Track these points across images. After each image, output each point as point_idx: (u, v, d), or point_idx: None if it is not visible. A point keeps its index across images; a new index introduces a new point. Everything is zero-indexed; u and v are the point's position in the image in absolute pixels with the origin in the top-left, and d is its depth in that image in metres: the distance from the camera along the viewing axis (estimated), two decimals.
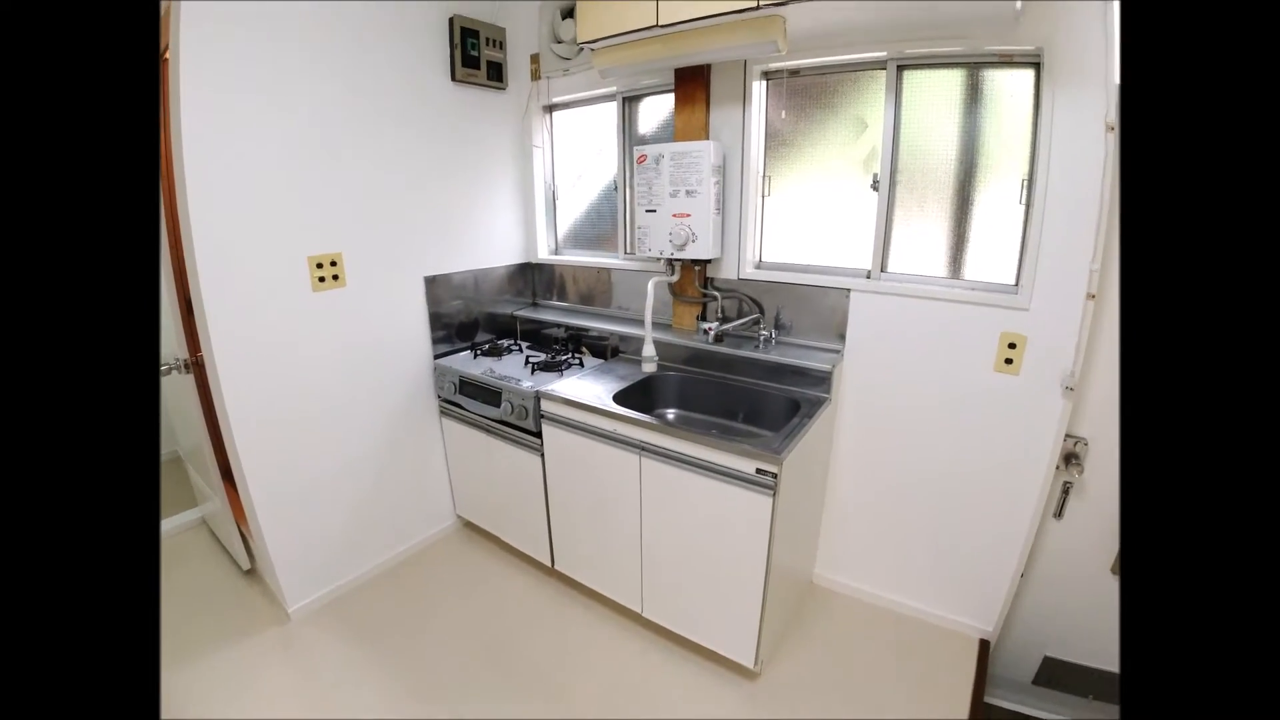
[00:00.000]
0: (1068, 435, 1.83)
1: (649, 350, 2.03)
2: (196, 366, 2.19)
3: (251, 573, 2.54)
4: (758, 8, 1.68)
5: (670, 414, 2.30)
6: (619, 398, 2.06)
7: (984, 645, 2.10)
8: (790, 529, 1.91)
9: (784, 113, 2.16)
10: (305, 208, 2.07)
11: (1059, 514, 1.93)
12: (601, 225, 2.83)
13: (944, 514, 2.09)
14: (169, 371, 2.26)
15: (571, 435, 2.10)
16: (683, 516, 1.89)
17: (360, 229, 2.25)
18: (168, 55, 1.80)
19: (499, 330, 2.91)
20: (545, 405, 2.16)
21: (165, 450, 3.60)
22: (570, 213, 2.95)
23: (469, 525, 2.87)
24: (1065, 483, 1.89)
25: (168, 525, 2.93)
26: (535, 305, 3.04)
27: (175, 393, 2.47)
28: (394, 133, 2.32)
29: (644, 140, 2.57)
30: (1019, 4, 1.47)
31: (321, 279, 2.15)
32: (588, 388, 2.16)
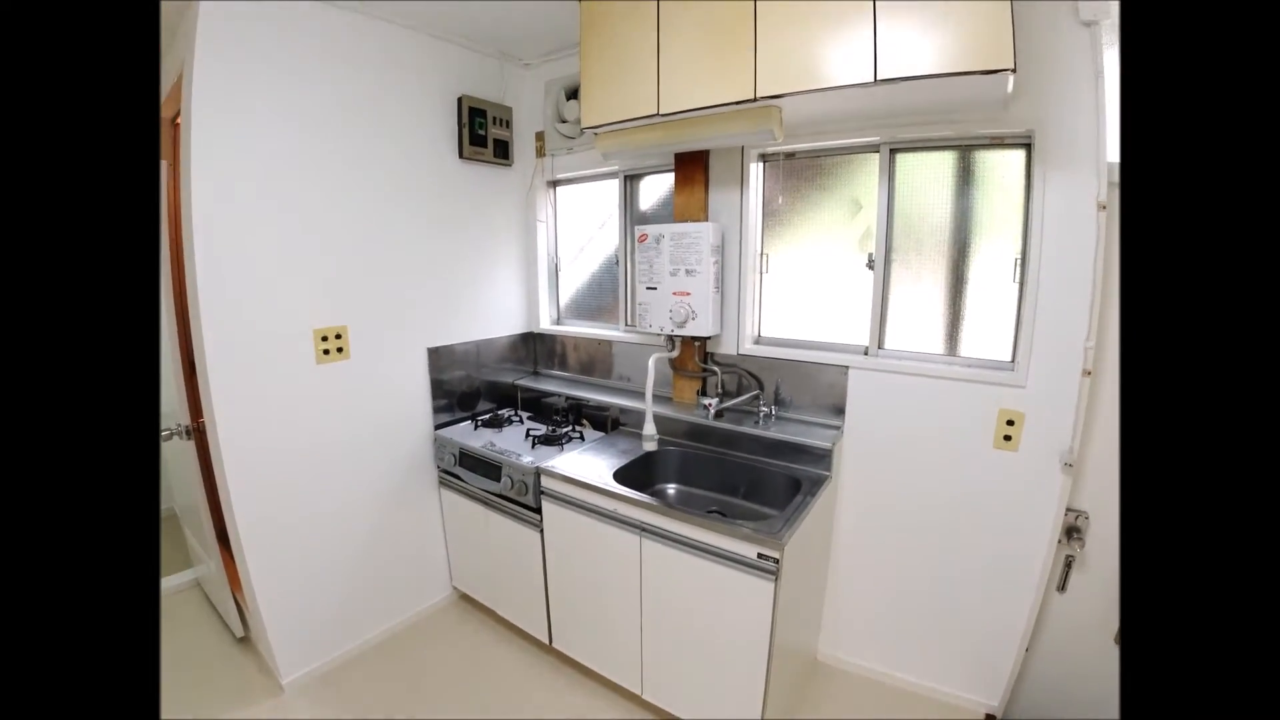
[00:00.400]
0: (1068, 509, 1.83)
1: (649, 429, 2.04)
2: (198, 432, 2.20)
3: (245, 640, 2.48)
4: (755, 100, 1.75)
5: (671, 489, 2.29)
6: (619, 475, 2.05)
7: None
8: (793, 610, 1.88)
9: (780, 198, 2.23)
10: (313, 280, 2.12)
11: (1062, 587, 1.91)
12: (603, 297, 2.87)
13: (947, 589, 2.07)
14: (170, 437, 2.27)
15: (571, 513, 2.09)
16: (684, 598, 1.86)
17: (367, 301, 2.29)
18: (179, 121, 1.86)
19: (500, 399, 2.92)
20: (545, 482, 2.15)
21: (162, 507, 3.56)
22: (572, 283, 3.00)
23: (465, 598, 2.82)
24: (1067, 556, 1.87)
25: (161, 586, 2.89)
26: (536, 374, 3.06)
27: (174, 453, 2.48)
28: (403, 208, 2.39)
29: (645, 216, 2.64)
30: (1009, 88, 1.52)
31: (326, 351, 2.18)
32: (588, 463, 2.15)
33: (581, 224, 2.92)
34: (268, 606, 2.13)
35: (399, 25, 2.29)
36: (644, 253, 2.25)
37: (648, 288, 2.26)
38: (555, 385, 2.85)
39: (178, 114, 1.89)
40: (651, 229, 2.23)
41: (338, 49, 2.11)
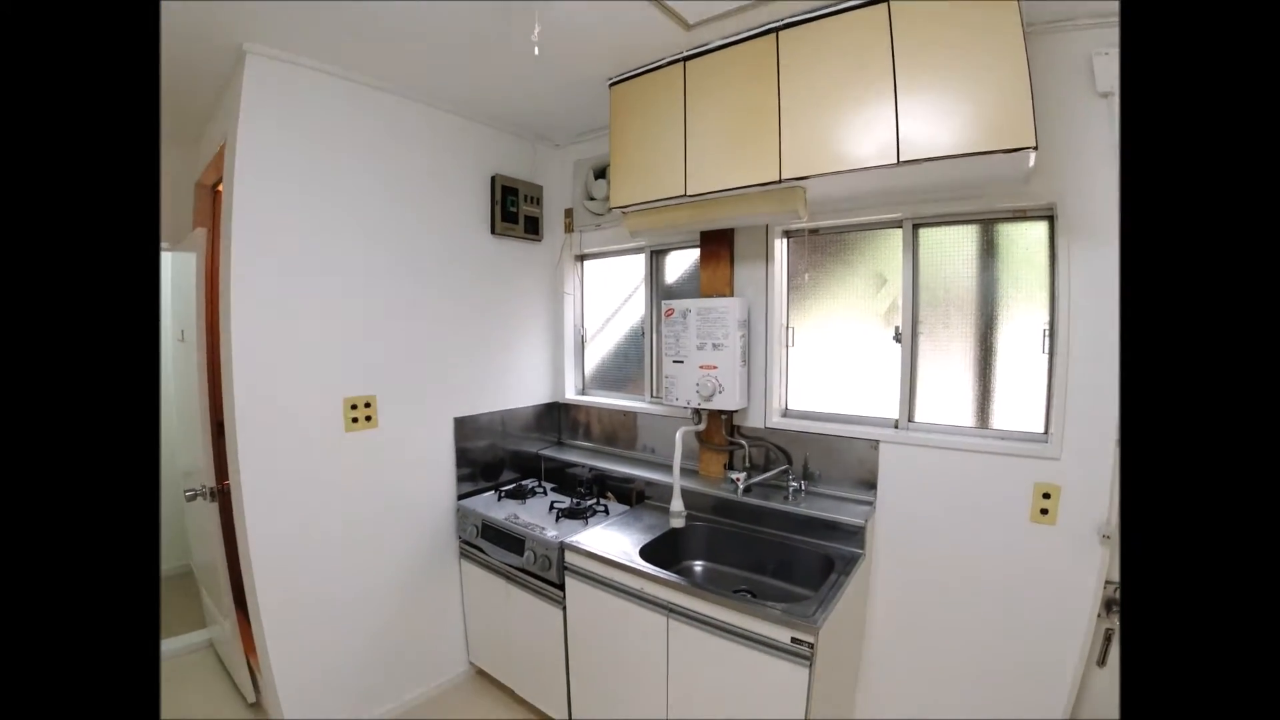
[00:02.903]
0: (1107, 581, 1.76)
1: (677, 505, 2.01)
2: (222, 494, 2.22)
3: (256, 706, 2.41)
4: (780, 182, 1.80)
5: (698, 567, 2.23)
6: (646, 552, 2.01)
7: None
8: (827, 694, 1.79)
9: (807, 275, 2.26)
10: (345, 349, 2.17)
11: (1102, 661, 1.81)
12: (628, 368, 2.89)
13: (986, 666, 1.96)
14: (194, 497, 2.31)
15: (596, 590, 2.04)
16: (712, 682, 1.79)
17: (397, 373, 2.33)
18: (220, 188, 1.93)
19: (523, 469, 2.91)
20: (569, 558, 2.11)
21: (179, 564, 3.62)
22: (598, 354, 3.04)
23: (482, 674, 2.72)
24: (1107, 629, 1.79)
25: (174, 645, 2.86)
26: (560, 444, 3.05)
27: (196, 512, 2.51)
28: (436, 283, 2.46)
29: (671, 289, 2.69)
30: (1031, 164, 1.53)
31: (355, 419, 2.20)
32: (614, 539, 2.12)
33: (608, 296, 2.98)
34: (281, 673, 2.07)
35: (437, 108, 2.42)
36: (670, 327, 2.28)
37: (674, 361, 2.28)
38: (579, 456, 2.84)
39: (219, 181, 1.97)
40: (678, 304, 2.26)
41: (377, 127, 2.23)
